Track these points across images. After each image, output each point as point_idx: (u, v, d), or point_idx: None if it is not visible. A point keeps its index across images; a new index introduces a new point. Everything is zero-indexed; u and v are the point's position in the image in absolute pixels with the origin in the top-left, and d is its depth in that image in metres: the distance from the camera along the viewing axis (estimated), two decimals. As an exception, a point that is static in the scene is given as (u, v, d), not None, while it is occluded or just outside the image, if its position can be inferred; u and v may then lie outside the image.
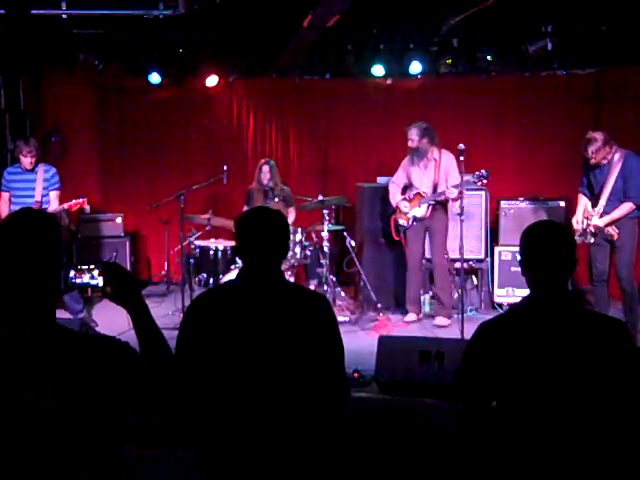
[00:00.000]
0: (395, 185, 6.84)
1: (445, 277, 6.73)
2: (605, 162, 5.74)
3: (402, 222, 6.71)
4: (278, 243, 2.52)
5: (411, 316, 6.76)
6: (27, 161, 6.25)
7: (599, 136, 5.69)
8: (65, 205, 6.26)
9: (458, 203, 6.19)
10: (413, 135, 6.58)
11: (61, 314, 6.63)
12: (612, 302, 6.17)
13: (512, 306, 2.57)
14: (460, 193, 6.07)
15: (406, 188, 6.81)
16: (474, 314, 6.88)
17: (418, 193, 6.61)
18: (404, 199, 6.71)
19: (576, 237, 5.89)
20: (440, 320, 6.62)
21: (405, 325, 6.68)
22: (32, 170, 6.31)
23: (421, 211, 6.55)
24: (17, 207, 6.29)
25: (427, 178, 6.59)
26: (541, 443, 2.24)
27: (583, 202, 5.98)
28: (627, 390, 2.26)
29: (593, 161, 5.73)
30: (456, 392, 2.47)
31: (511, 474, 2.30)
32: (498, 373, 2.31)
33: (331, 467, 2.51)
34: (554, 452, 2.23)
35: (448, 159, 6.49)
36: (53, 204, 6.33)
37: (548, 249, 2.34)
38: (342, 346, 2.54)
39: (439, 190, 6.45)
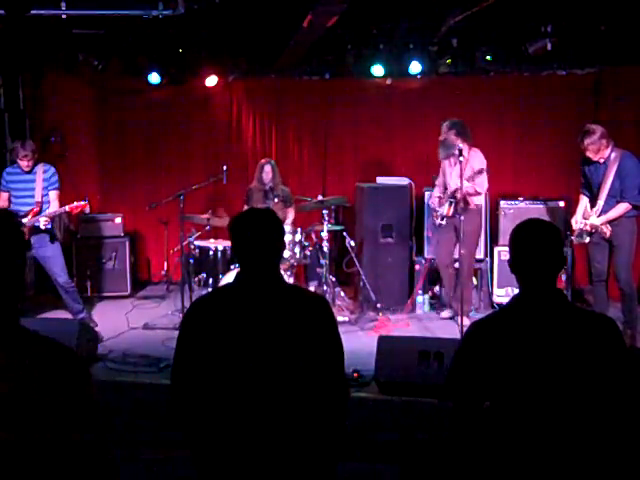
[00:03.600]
0: (436, 186, 6.88)
1: (466, 278, 6.67)
2: (602, 161, 5.73)
3: (437, 221, 6.70)
4: (273, 243, 2.52)
5: (447, 312, 6.90)
6: (24, 164, 6.24)
7: (597, 129, 5.69)
8: (67, 207, 6.24)
9: (477, 199, 6.41)
10: (443, 127, 6.58)
11: (62, 314, 6.64)
12: (611, 302, 6.17)
13: (502, 305, 2.58)
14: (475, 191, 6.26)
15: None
16: (474, 314, 6.88)
17: (447, 191, 6.63)
18: (438, 197, 6.75)
19: (573, 237, 5.90)
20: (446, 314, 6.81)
21: (405, 325, 6.69)
22: (30, 171, 6.31)
23: (444, 209, 6.55)
24: (18, 207, 6.30)
25: (455, 175, 6.50)
26: (533, 441, 2.24)
27: (584, 202, 5.98)
28: (616, 386, 2.26)
29: (588, 153, 5.72)
30: (447, 392, 2.47)
31: (504, 473, 2.30)
32: (489, 372, 2.31)
33: (330, 467, 2.51)
34: (546, 450, 2.23)
35: (475, 159, 6.47)
36: (53, 204, 6.32)
37: (535, 247, 2.37)
38: (342, 347, 2.54)
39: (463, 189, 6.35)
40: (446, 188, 6.69)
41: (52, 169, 6.41)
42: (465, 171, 6.28)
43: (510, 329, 2.32)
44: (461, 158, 6.08)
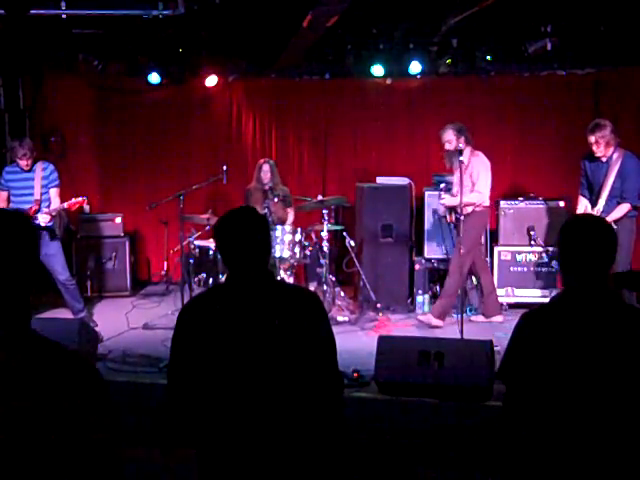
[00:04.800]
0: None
1: (450, 281, 6.46)
2: (604, 160, 5.74)
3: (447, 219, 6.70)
4: (258, 242, 2.53)
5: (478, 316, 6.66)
6: (23, 163, 6.23)
7: (608, 123, 5.70)
8: (65, 204, 6.26)
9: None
10: (450, 137, 6.27)
11: (62, 314, 6.64)
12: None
13: (553, 298, 2.57)
14: (458, 206, 6.03)
15: None
16: (473, 314, 6.88)
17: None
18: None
19: None
20: (426, 318, 6.51)
21: (405, 325, 6.68)
22: (30, 170, 6.30)
23: (447, 215, 6.54)
24: (17, 206, 6.29)
25: (457, 180, 6.31)
26: (575, 437, 2.23)
27: (583, 204, 5.98)
28: None
29: (595, 147, 5.68)
30: (501, 377, 2.47)
31: (543, 466, 2.30)
32: (539, 363, 2.31)
33: (329, 463, 2.52)
34: (587, 446, 2.22)
35: (476, 163, 6.28)
36: (54, 201, 6.31)
37: (589, 244, 2.36)
38: (334, 341, 2.56)
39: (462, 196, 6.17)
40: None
41: (51, 166, 6.40)
42: (464, 179, 6.20)
43: (561, 322, 2.32)
44: (462, 158, 5.96)
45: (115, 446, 1.68)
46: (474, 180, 6.30)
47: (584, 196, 6.00)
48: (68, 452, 1.60)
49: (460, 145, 6.19)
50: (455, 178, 6.43)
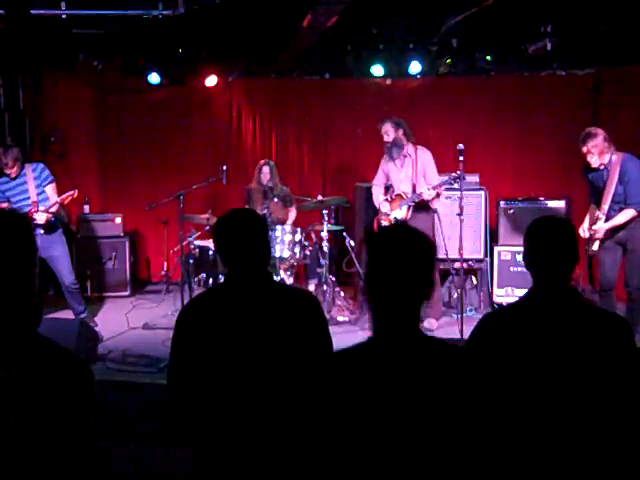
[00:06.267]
0: (377, 187, 6.63)
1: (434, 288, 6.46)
2: (602, 166, 5.46)
3: (384, 224, 6.44)
4: (257, 243, 2.53)
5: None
6: (7, 172, 6.17)
7: (599, 131, 5.39)
8: (58, 199, 6.20)
9: (438, 203, 6.23)
10: (388, 128, 6.33)
11: (63, 314, 6.64)
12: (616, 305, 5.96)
13: (518, 299, 2.58)
14: (437, 195, 6.11)
15: (389, 188, 6.60)
16: (473, 314, 6.88)
17: (399, 194, 6.39)
18: (385, 200, 6.50)
19: (586, 247, 5.60)
20: (428, 323, 6.42)
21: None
22: (18, 175, 6.25)
23: (402, 213, 6.34)
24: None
25: (405, 176, 6.36)
26: (537, 439, 2.24)
27: (593, 212, 5.64)
28: (623, 387, 2.26)
29: (589, 157, 5.40)
30: None
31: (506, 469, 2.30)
32: (495, 364, 2.31)
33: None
34: (550, 448, 2.23)
35: (425, 156, 6.32)
36: (53, 198, 6.26)
37: (549, 243, 2.37)
38: (331, 342, 2.57)
39: (418, 190, 6.22)
40: (388, 189, 6.52)
41: (40, 165, 6.33)
42: (417, 172, 6.23)
43: (520, 323, 2.34)
44: (406, 152, 6.11)
45: (96, 443, 1.67)
46: (425, 176, 6.28)
47: (594, 203, 5.68)
48: (54, 448, 1.60)
49: (400, 138, 6.27)
50: (394, 174, 6.43)
